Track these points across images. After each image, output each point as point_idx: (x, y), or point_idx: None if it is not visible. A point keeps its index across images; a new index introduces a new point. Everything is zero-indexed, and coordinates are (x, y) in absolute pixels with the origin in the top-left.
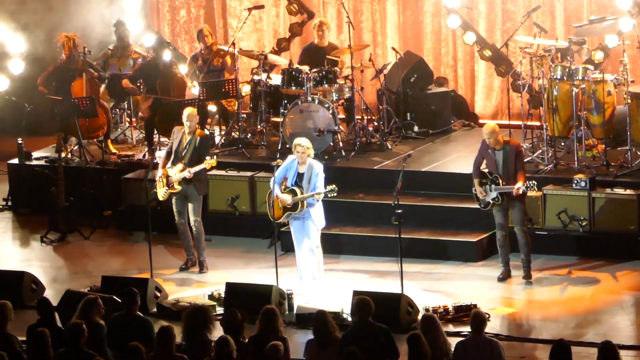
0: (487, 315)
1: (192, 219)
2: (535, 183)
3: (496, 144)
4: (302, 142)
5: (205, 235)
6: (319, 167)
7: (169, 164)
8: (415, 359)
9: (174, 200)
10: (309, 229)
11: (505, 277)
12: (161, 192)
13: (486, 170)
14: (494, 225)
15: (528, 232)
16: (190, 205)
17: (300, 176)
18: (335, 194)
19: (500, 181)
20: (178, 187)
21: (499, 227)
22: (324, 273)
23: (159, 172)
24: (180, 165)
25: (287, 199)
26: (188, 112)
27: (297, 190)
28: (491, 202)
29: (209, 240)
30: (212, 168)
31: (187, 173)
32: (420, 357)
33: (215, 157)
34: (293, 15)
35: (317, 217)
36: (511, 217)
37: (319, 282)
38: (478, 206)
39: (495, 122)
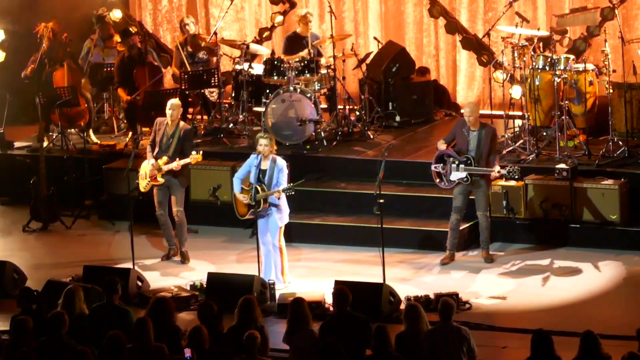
0: (468, 305)
1: (175, 209)
2: (519, 169)
3: (474, 124)
4: (265, 136)
5: (191, 226)
6: (282, 164)
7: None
8: (379, 351)
9: (155, 191)
10: (272, 227)
11: (449, 261)
12: (143, 184)
13: (454, 149)
14: (474, 215)
15: (489, 216)
16: (173, 197)
17: (263, 172)
18: (292, 193)
19: (473, 162)
20: (161, 180)
21: (455, 211)
22: (289, 270)
23: (149, 162)
24: (165, 158)
25: (243, 198)
26: (172, 102)
27: (259, 187)
28: (457, 181)
29: (196, 232)
30: (196, 162)
31: (176, 164)
32: (385, 350)
33: (201, 152)
34: (275, 4)
35: (280, 215)
36: (476, 202)
37: (281, 284)
38: (437, 183)
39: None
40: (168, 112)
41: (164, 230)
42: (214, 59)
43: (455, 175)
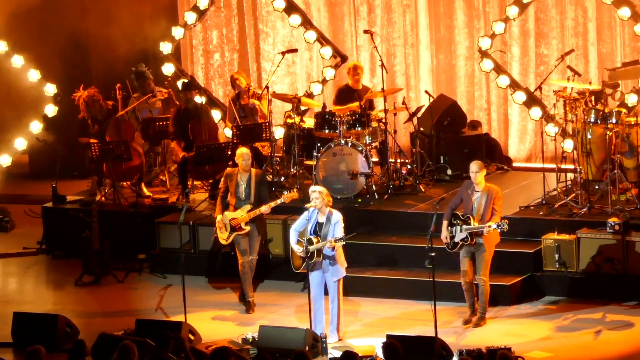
0: (520, 359)
1: (250, 257)
2: (507, 222)
3: (480, 182)
4: (317, 189)
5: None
6: (337, 217)
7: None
8: None
9: (238, 240)
10: (329, 281)
11: (469, 320)
12: (224, 236)
13: (459, 212)
14: (528, 269)
15: (488, 282)
16: (251, 244)
17: (319, 225)
18: (343, 243)
19: (472, 221)
20: (247, 228)
21: (463, 274)
22: (344, 325)
23: (218, 218)
24: (247, 206)
25: (298, 249)
26: (243, 152)
27: (314, 239)
28: (460, 242)
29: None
30: (291, 200)
31: (266, 208)
32: None
33: (295, 188)
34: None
35: (335, 269)
36: (475, 265)
37: (336, 338)
38: (445, 246)
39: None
40: (242, 162)
41: (244, 280)
42: (257, 115)
43: (459, 237)
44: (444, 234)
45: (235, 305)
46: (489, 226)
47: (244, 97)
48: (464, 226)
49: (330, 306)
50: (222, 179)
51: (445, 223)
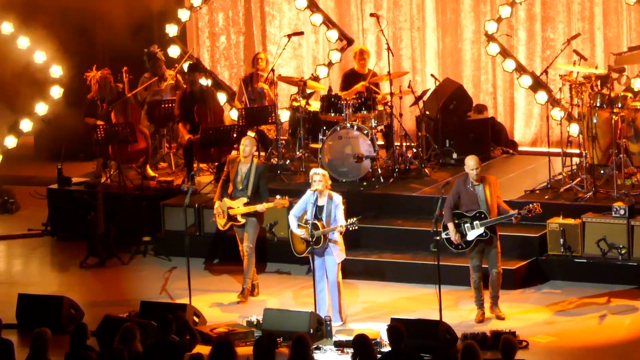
0: (525, 343)
1: (245, 243)
2: (538, 204)
3: (477, 177)
4: (320, 171)
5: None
6: (338, 199)
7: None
8: None
9: (236, 229)
10: (330, 265)
11: (483, 318)
12: (221, 222)
13: (460, 210)
14: (533, 253)
15: (501, 273)
16: (246, 233)
17: (319, 209)
18: (356, 227)
19: (487, 215)
20: (242, 220)
21: (475, 270)
22: (346, 309)
23: (216, 203)
24: (244, 199)
25: (302, 233)
26: (246, 137)
27: (318, 224)
28: (475, 240)
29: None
30: (282, 208)
31: (262, 207)
32: None
33: (286, 196)
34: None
35: (337, 252)
36: (487, 258)
37: (340, 321)
38: (452, 249)
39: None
40: (241, 147)
41: (245, 265)
42: (265, 100)
43: (473, 234)
44: (454, 236)
45: (240, 288)
46: (519, 213)
47: (257, 79)
48: (478, 222)
49: (331, 290)
50: (226, 164)
51: (451, 225)
